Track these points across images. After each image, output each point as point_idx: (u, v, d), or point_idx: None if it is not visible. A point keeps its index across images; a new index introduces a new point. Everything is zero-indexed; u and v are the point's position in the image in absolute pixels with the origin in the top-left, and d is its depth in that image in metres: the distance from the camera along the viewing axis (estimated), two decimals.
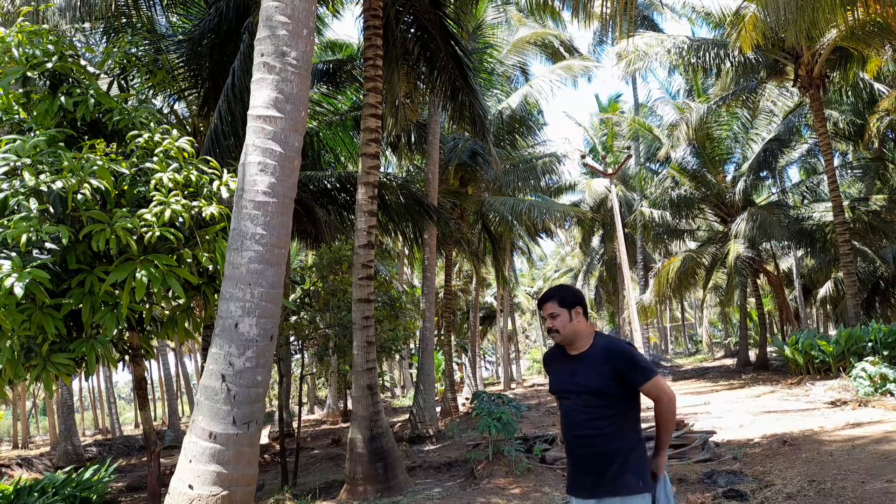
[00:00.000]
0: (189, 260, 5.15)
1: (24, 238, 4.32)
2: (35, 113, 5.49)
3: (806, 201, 22.69)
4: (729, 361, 26.50)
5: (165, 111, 10.50)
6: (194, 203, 5.22)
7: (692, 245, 26.61)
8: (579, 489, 2.58)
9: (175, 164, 5.43)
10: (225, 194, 5.47)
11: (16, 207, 4.58)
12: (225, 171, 5.79)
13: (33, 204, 4.57)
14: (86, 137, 5.65)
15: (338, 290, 9.89)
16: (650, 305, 22.94)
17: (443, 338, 18.98)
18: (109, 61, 7.03)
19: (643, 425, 2.77)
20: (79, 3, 8.30)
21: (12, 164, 4.70)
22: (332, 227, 12.78)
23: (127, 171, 5.18)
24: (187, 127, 10.70)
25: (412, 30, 9.60)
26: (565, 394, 2.63)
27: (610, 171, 21.69)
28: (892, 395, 9.80)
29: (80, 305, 4.77)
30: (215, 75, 9.32)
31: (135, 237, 4.77)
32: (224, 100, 7.57)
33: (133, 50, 8.75)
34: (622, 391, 2.52)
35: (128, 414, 50.97)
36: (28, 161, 4.71)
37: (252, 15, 7.65)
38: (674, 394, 2.61)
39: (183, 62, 9.87)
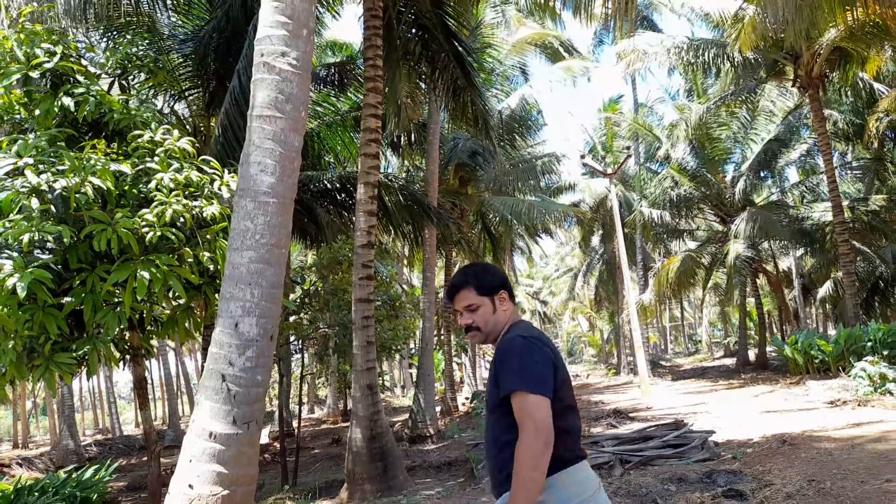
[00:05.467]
0: (190, 260, 5.16)
1: (26, 238, 4.33)
2: (36, 113, 5.50)
3: (805, 201, 22.70)
4: (728, 361, 26.52)
5: (166, 111, 10.51)
6: (195, 203, 5.23)
7: (692, 245, 26.61)
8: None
9: (176, 164, 5.44)
10: (226, 194, 5.48)
11: (18, 207, 4.60)
12: (226, 171, 5.80)
13: (35, 204, 4.58)
14: (86, 137, 5.66)
15: (338, 289, 9.91)
16: (650, 305, 22.98)
17: (443, 338, 18.98)
18: (111, 61, 7.04)
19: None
20: (82, 4, 8.30)
21: (13, 164, 4.71)
22: (332, 227, 12.78)
23: (128, 171, 5.19)
24: (187, 127, 10.71)
25: (413, 29, 9.61)
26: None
27: (609, 170, 21.68)
28: (891, 394, 9.81)
29: (82, 305, 4.78)
30: (221, 75, 9.35)
31: (136, 237, 4.79)
32: (230, 100, 7.60)
33: (133, 50, 8.75)
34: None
35: (128, 414, 50.87)
36: (31, 161, 4.72)
37: (258, 15, 7.65)
38: (546, 429, 1.70)
39: (188, 62, 9.89)
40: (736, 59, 15.75)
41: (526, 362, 1.79)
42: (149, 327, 6.01)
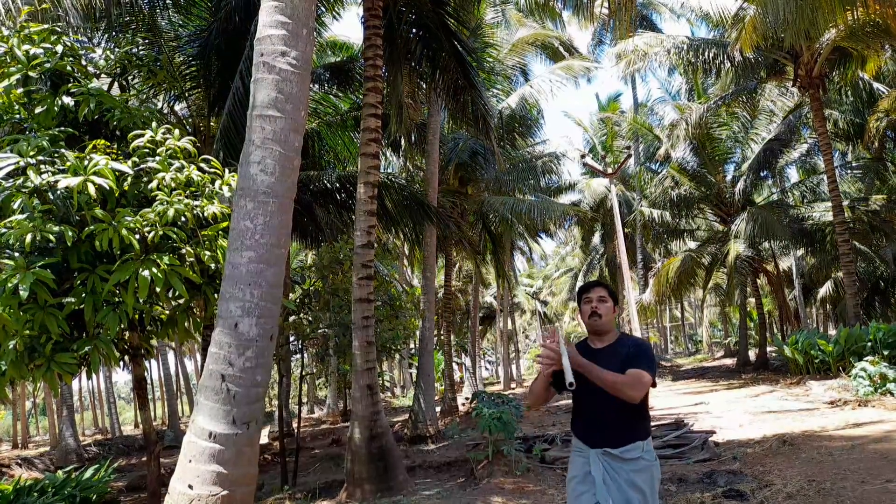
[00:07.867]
0: (191, 259, 5.16)
1: (28, 238, 4.32)
2: (36, 112, 5.49)
3: (806, 201, 22.69)
4: (729, 361, 26.50)
5: (165, 111, 10.50)
6: (196, 202, 5.23)
7: (692, 245, 26.59)
8: (593, 442, 2.82)
9: (177, 164, 5.43)
10: (227, 193, 5.48)
11: (20, 207, 4.59)
12: (227, 170, 5.80)
13: (36, 203, 4.58)
14: (86, 137, 5.66)
15: (338, 289, 9.89)
16: (650, 305, 22.95)
17: (443, 338, 18.98)
18: (111, 61, 7.04)
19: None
20: (82, 3, 8.28)
21: (15, 163, 4.70)
22: (332, 227, 12.78)
23: (130, 171, 5.18)
24: (187, 127, 10.70)
25: (414, 29, 9.60)
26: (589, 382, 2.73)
27: (610, 170, 21.69)
28: (891, 394, 9.81)
29: (83, 305, 4.77)
30: (224, 75, 9.33)
31: (137, 236, 4.78)
32: (233, 101, 7.60)
33: (134, 50, 8.74)
34: None
35: (127, 414, 50.90)
36: (32, 161, 4.72)
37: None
38: (641, 394, 2.68)
39: (190, 62, 9.87)
40: (736, 59, 15.73)
41: (655, 360, 2.80)
42: (149, 327, 6.00)
